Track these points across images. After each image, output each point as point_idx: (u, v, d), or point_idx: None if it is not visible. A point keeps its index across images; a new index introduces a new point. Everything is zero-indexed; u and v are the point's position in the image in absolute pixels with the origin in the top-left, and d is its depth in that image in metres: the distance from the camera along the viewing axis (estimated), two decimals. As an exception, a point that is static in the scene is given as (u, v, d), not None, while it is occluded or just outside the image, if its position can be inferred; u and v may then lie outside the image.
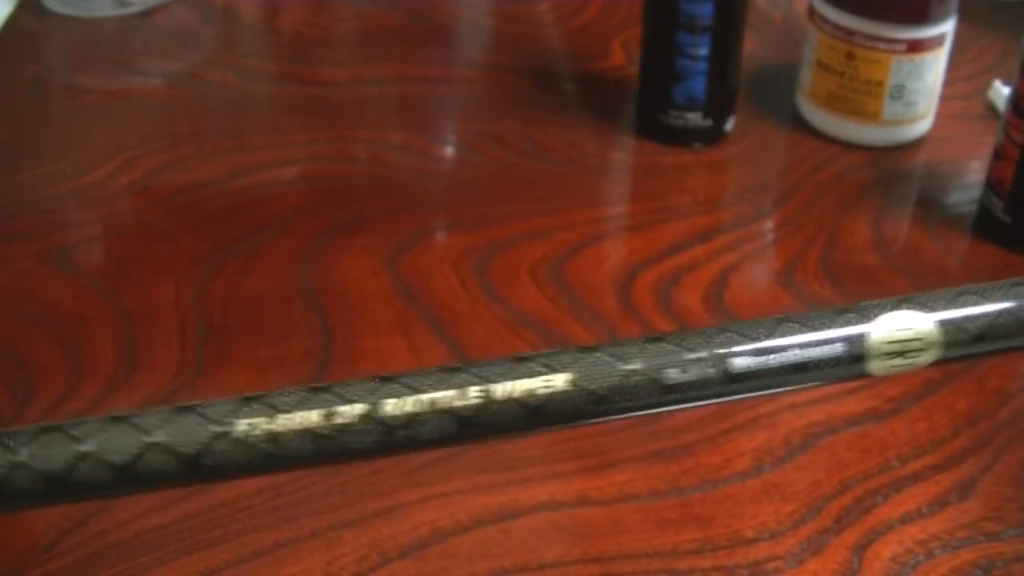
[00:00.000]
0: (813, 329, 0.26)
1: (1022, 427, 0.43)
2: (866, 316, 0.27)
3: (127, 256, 0.52)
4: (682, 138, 0.59)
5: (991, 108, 0.63)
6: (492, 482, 0.41)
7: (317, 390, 0.25)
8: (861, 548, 0.38)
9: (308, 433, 0.25)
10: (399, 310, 0.48)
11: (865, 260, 0.52)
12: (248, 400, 0.25)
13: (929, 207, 0.56)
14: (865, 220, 0.55)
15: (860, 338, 0.27)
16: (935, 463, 0.42)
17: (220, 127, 0.61)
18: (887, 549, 0.38)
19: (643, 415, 0.26)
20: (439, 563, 0.38)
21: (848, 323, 0.27)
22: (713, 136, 0.60)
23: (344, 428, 0.25)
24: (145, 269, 0.51)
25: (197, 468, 0.24)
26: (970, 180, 0.57)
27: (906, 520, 0.39)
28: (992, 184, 0.52)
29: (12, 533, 0.38)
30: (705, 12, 0.55)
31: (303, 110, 0.63)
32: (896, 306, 0.27)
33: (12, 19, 0.70)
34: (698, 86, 0.57)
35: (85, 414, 0.43)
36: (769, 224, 0.55)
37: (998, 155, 0.52)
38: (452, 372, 0.26)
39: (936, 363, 0.27)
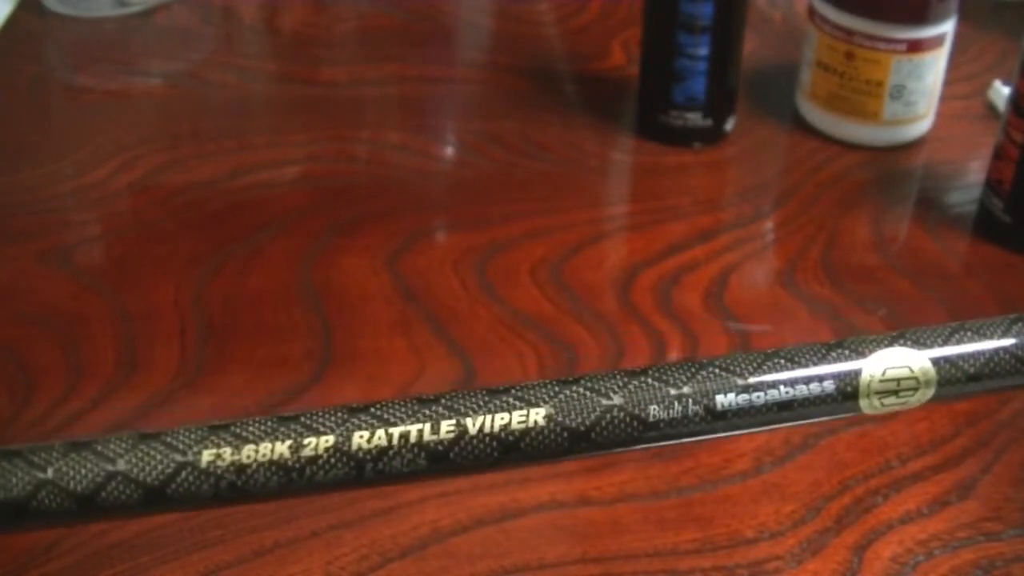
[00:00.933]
0: (802, 366, 0.26)
1: (1022, 427, 0.43)
2: (858, 352, 0.26)
3: (127, 256, 0.52)
4: (682, 138, 0.59)
5: (991, 108, 0.63)
6: (492, 482, 0.41)
7: (285, 420, 0.24)
8: (861, 548, 0.38)
9: (275, 465, 0.24)
10: (399, 310, 0.48)
11: (865, 260, 0.52)
12: (215, 429, 0.24)
13: (929, 207, 0.56)
14: (865, 220, 0.55)
15: (852, 376, 0.26)
16: (935, 463, 0.42)
17: (220, 127, 0.61)
18: (887, 549, 0.38)
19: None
20: (439, 563, 0.38)
21: (839, 360, 0.26)
22: (713, 136, 0.60)
23: (312, 461, 0.24)
24: (145, 269, 0.51)
25: (161, 499, 0.24)
26: (970, 180, 0.57)
27: (906, 520, 0.39)
28: (992, 184, 0.52)
29: (12, 533, 0.38)
30: (705, 12, 0.55)
31: (303, 110, 0.63)
32: (890, 343, 0.26)
33: (12, 19, 0.70)
34: (698, 86, 0.57)
35: (85, 414, 0.43)
36: (769, 224, 0.55)
37: (998, 155, 0.52)
38: (424, 404, 0.25)
39: (930, 402, 0.26)
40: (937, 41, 0.56)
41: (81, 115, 0.62)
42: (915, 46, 0.55)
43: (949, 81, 0.60)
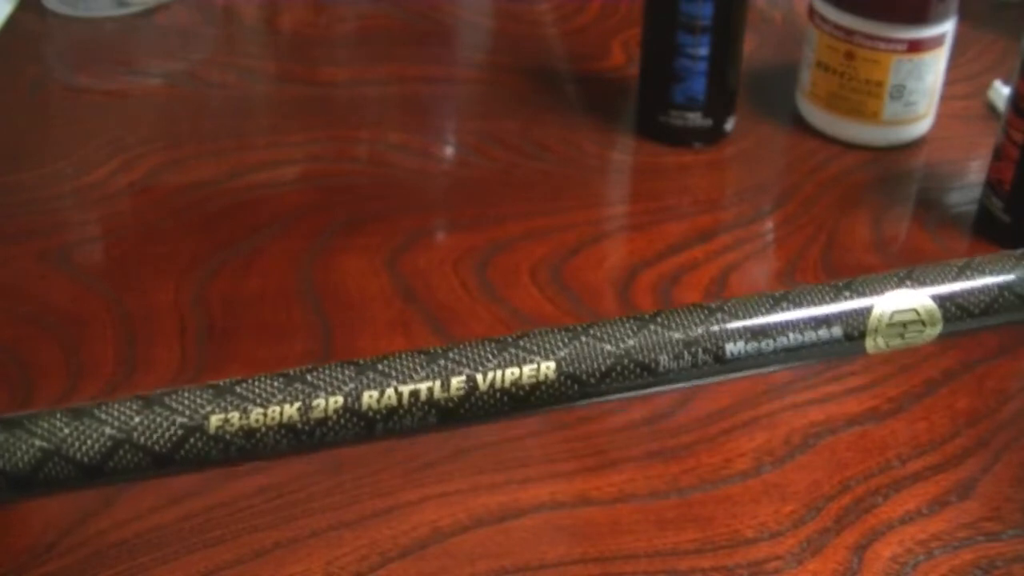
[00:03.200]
0: (810, 310, 0.25)
1: (1022, 427, 0.43)
2: (865, 294, 0.26)
3: (127, 256, 0.52)
4: (682, 138, 0.59)
5: (991, 108, 0.63)
6: (492, 482, 0.41)
7: (291, 379, 0.24)
8: (861, 548, 0.38)
9: (284, 428, 0.23)
10: (399, 310, 0.48)
11: (865, 260, 0.52)
12: (221, 391, 0.24)
13: (929, 207, 0.56)
14: (865, 220, 0.55)
15: (859, 319, 0.25)
16: (935, 463, 0.42)
17: (220, 127, 0.61)
18: (887, 549, 0.38)
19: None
20: (439, 563, 0.38)
21: (846, 302, 0.25)
22: (713, 136, 0.60)
23: (322, 422, 0.24)
24: (145, 269, 0.51)
25: (169, 464, 0.23)
26: (970, 180, 0.57)
27: (906, 520, 0.39)
28: (992, 184, 0.52)
29: (12, 533, 0.38)
30: (705, 12, 0.55)
31: (303, 110, 0.63)
32: (897, 283, 0.26)
33: (12, 19, 0.70)
34: (698, 86, 0.57)
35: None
36: (769, 224, 0.55)
37: (998, 155, 0.52)
38: (432, 358, 0.24)
39: (935, 341, 0.26)
40: (937, 41, 0.56)
41: (81, 115, 0.62)
42: (915, 46, 0.55)
43: (949, 81, 0.60)
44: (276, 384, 0.24)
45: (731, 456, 0.42)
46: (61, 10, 0.70)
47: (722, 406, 0.44)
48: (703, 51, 0.56)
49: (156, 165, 0.57)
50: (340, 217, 0.54)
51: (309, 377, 0.24)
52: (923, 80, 0.57)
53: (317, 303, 0.49)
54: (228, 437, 0.23)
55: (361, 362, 0.24)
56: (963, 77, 0.65)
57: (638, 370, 0.25)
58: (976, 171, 0.58)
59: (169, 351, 0.46)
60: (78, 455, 0.23)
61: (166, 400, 0.24)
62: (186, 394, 0.24)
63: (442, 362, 0.24)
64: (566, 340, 0.24)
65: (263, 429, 0.23)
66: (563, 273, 0.51)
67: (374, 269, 0.51)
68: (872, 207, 0.55)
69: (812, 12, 0.58)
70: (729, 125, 0.60)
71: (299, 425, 0.24)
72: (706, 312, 0.25)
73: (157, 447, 0.23)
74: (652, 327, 0.25)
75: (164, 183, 0.56)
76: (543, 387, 0.24)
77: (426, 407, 0.24)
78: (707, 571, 0.38)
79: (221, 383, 0.24)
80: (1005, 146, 0.51)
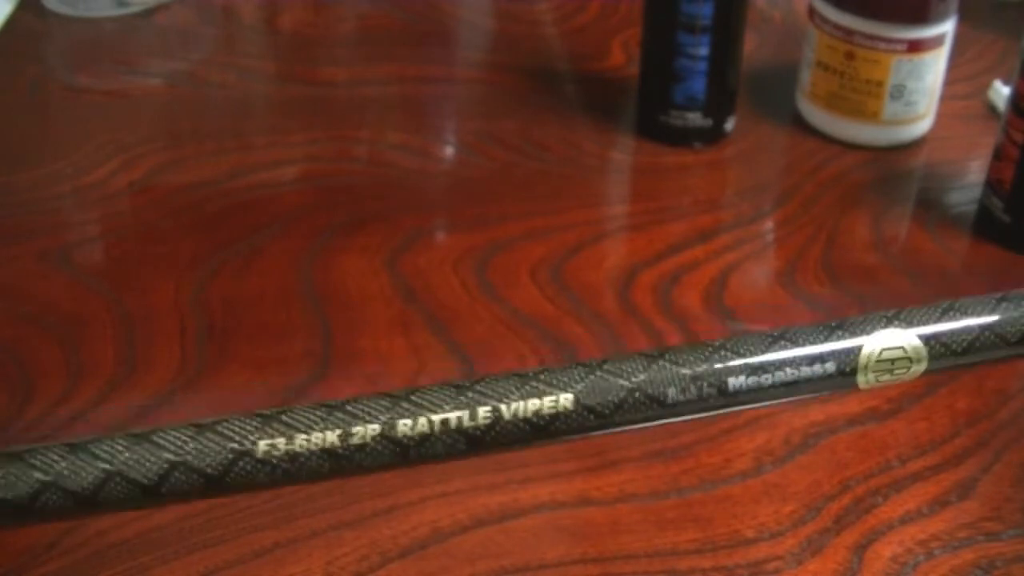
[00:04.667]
0: (805, 348, 0.28)
1: (1022, 427, 0.43)
2: (855, 334, 0.28)
3: (127, 256, 0.52)
4: (682, 138, 0.59)
5: (991, 108, 0.63)
6: (492, 482, 0.41)
7: (332, 409, 0.26)
8: (861, 548, 0.38)
9: (326, 453, 0.26)
10: (399, 310, 0.48)
11: (865, 260, 0.52)
12: (267, 419, 0.26)
13: (929, 207, 0.56)
14: (865, 220, 0.55)
15: (850, 357, 0.28)
16: (935, 463, 0.42)
17: (220, 127, 0.61)
18: (887, 549, 0.38)
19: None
20: (439, 563, 0.38)
21: (839, 341, 0.28)
22: (713, 136, 0.60)
23: (360, 448, 0.26)
24: (145, 269, 0.51)
25: (219, 486, 0.26)
26: (970, 180, 0.57)
27: (906, 520, 0.39)
28: (992, 184, 0.52)
29: (12, 533, 0.38)
30: (705, 12, 0.55)
31: (303, 110, 0.63)
32: (886, 323, 0.29)
33: (12, 19, 0.70)
34: (698, 86, 0.57)
35: (85, 414, 0.43)
36: (769, 224, 0.55)
37: (998, 155, 0.52)
38: (460, 390, 0.27)
39: (922, 376, 0.29)
40: (937, 41, 0.56)
41: (81, 115, 0.62)
42: (915, 46, 0.55)
43: (949, 81, 0.60)
44: (318, 413, 0.26)
45: (731, 456, 0.42)
46: (61, 10, 0.70)
47: (722, 406, 0.44)
48: (703, 51, 0.56)
49: (156, 165, 0.57)
50: (340, 217, 0.54)
51: (348, 407, 0.26)
52: (923, 80, 0.57)
53: (317, 303, 0.49)
54: (274, 460, 0.26)
55: (395, 394, 0.27)
56: (963, 77, 0.66)
57: (649, 402, 0.27)
58: (976, 171, 0.58)
59: (169, 351, 0.46)
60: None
61: (218, 427, 0.26)
62: (236, 421, 0.26)
63: (469, 394, 0.27)
64: (582, 375, 0.27)
65: (306, 453, 0.26)
66: (563, 273, 0.51)
67: (374, 269, 0.51)
68: (872, 207, 0.55)
69: (812, 12, 0.58)
70: (729, 125, 0.60)
71: (339, 450, 0.26)
72: (710, 349, 0.28)
73: (209, 470, 0.26)
74: (661, 363, 0.28)
75: (164, 183, 0.56)
76: (562, 417, 0.27)
77: (455, 434, 0.26)
78: (707, 571, 0.38)
79: (267, 411, 0.26)
80: (1005, 146, 0.51)
